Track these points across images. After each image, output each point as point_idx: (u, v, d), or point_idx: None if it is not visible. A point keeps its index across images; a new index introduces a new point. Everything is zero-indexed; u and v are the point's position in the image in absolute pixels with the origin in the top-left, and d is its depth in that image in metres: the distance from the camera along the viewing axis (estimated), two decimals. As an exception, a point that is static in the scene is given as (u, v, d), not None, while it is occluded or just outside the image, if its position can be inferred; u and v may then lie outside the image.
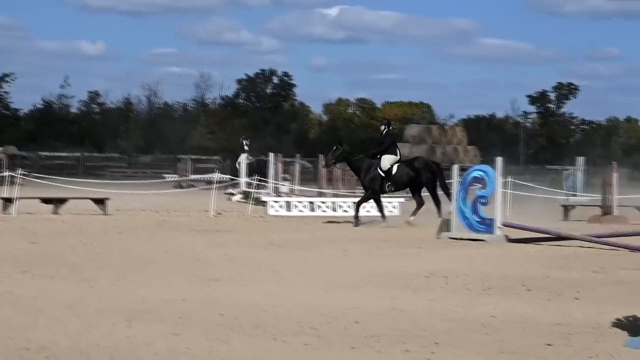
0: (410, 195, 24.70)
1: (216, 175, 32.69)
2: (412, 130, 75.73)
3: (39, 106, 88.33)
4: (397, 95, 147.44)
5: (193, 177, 47.38)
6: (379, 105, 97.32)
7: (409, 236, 19.65)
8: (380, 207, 23.79)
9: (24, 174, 28.41)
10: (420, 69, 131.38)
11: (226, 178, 36.12)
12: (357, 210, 23.37)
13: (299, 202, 27.84)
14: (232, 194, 35.22)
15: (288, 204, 27.44)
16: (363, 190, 24.68)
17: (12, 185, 27.00)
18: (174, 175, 51.89)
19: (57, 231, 19.20)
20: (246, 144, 42.69)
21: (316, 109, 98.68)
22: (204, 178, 46.78)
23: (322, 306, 10.15)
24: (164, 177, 51.36)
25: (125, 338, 8.26)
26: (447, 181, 23.42)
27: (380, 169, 23.36)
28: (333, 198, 28.73)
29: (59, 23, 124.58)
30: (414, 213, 23.38)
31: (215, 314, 9.57)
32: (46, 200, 25.82)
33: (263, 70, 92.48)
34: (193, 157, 58.97)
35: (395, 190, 24.55)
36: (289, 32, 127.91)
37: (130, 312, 9.42)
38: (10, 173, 28.68)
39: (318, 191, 31.84)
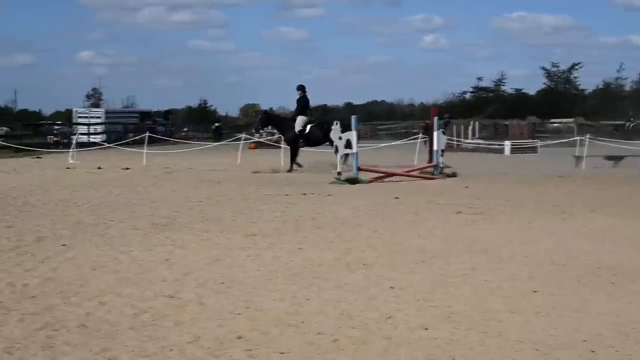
0: None
1: None
2: None
3: (600, 86, 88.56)
4: None
5: None
6: None
7: None
8: (292, 158, 22.28)
9: (590, 139, 28.11)
10: None
11: None
12: (292, 163, 22.07)
13: None
14: None
15: None
16: None
17: (582, 146, 26.86)
18: None
19: (619, 179, 18.73)
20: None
21: None
22: None
23: None
24: None
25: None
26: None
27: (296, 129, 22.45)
28: None
29: (613, 22, 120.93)
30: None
31: None
32: (608, 157, 25.43)
33: None
34: None
35: (310, 146, 22.99)
36: None
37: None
38: (580, 137, 28.46)
39: None
